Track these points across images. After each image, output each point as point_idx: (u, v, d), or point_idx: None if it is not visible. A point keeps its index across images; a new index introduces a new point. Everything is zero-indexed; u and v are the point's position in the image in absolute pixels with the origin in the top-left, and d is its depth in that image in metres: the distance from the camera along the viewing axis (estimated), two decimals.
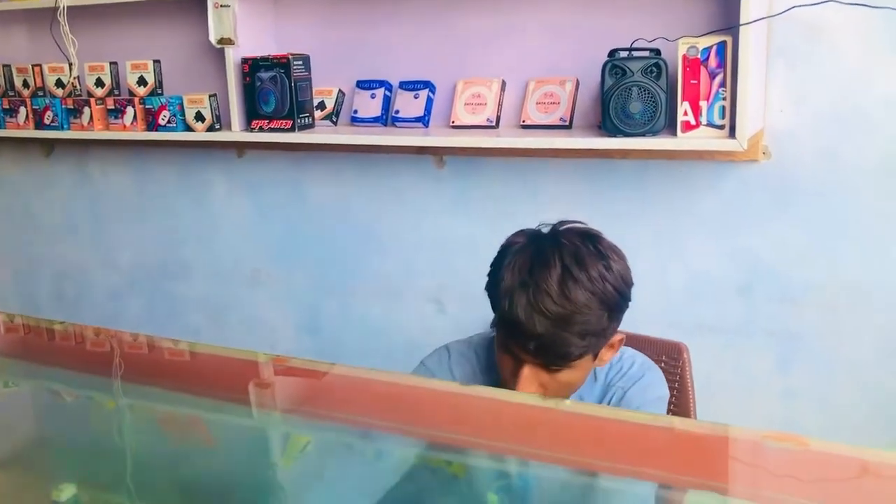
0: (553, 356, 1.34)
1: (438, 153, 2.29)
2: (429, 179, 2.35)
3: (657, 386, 1.53)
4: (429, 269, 2.42)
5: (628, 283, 1.38)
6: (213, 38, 2.31)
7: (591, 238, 1.37)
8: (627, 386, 1.50)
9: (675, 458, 1.05)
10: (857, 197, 1.91)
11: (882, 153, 1.87)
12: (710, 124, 1.82)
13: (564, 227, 1.41)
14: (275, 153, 2.53)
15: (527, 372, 1.36)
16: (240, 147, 2.57)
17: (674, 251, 2.10)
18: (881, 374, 1.97)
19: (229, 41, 2.29)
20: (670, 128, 1.89)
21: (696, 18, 1.94)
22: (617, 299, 1.35)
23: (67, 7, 2.54)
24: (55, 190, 3.01)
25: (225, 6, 2.27)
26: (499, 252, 1.42)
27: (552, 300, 1.30)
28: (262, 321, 2.75)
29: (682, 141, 1.84)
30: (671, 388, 1.81)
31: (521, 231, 1.42)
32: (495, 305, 1.38)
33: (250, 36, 2.34)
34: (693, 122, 1.83)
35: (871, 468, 0.98)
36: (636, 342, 1.89)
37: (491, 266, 1.41)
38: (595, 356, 1.40)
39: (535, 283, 1.31)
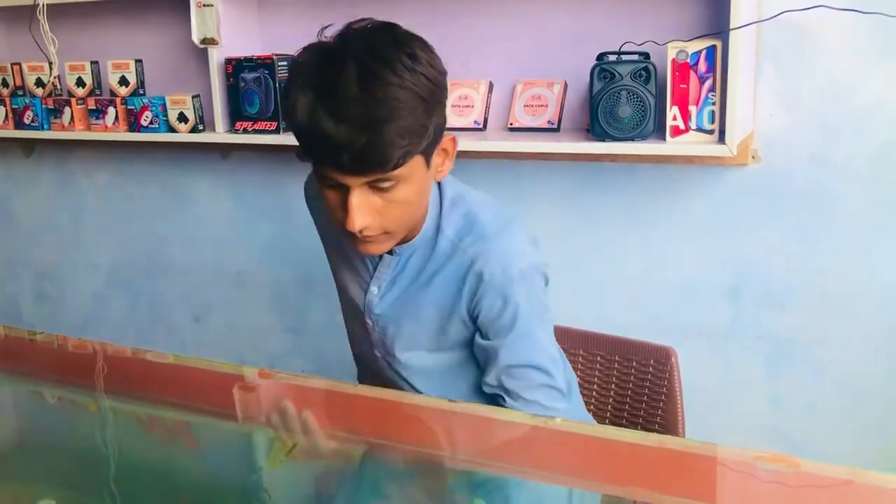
0: (373, 163, 1.17)
1: None
2: None
3: (517, 254, 1.35)
4: None
5: (440, 70, 1.24)
6: (196, 38, 2.27)
7: (383, 28, 1.25)
8: (479, 253, 1.34)
9: (664, 478, 1.04)
10: (846, 201, 1.90)
11: (871, 157, 1.86)
12: (700, 129, 1.80)
13: (351, 27, 1.25)
14: (260, 155, 2.50)
15: (356, 199, 1.21)
16: (224, 149, 2.53)
17: (662, 255, 2.09)
18: (869, 381, 1.96)
19: (213, 41, 2.26)
20: (659, 132, 1.87)
21: (685, 22, 1.92)
22: (430, 88, 1.20)
23: (47, 5, 2.49)
24: (36, 191, 2.97)
25: (208, 6, 2.23)
26: (288, 73, 1.22)
27: (356, 103, 1.15)
28: (246, 323, 2.72)
29: (671, 146, 1.82)
30: (659, 393, 1.79)
31: (307, 46, 1.27)
32: (297, 130, 1.22)
33: (234, 36, 2.30)
34: (682, 126, 1.81)
35: (864, 491, 0.97)
36: (623, 346, 1.88)
37: (283, 90, 1.22)
38: (427, 163, 1.27)
39: (332, 90, 1.16)
